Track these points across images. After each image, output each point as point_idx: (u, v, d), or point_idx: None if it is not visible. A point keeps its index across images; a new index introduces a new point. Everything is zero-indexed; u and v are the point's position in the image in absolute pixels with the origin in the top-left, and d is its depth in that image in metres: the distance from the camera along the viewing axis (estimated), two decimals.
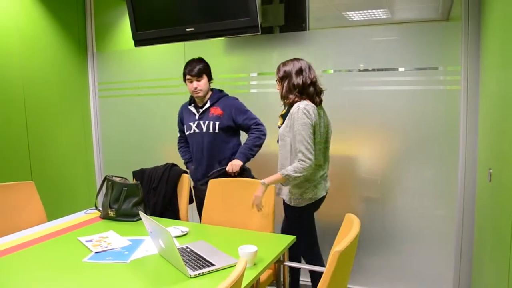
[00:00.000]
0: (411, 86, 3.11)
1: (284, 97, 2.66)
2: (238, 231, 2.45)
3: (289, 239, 2.31)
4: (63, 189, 4.05)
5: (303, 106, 2.52)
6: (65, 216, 2.81)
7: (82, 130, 4.30)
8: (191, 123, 3.15)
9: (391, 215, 3.25)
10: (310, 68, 2.65)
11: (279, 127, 2.70)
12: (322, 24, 5.24)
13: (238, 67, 3.74)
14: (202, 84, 3.06)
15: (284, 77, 2.64)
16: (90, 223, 2.63)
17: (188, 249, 2.08)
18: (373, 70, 3.19)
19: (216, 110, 3.10)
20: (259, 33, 3.15)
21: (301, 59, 2.67)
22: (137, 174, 3.07)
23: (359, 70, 3.23)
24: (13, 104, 3.63)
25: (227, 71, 3.74)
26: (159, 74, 4.02)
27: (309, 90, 2.61)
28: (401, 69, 3.14)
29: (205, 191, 2.88)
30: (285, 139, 2.60)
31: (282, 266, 2.41)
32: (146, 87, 4.08)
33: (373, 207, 3.30)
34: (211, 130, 3.08)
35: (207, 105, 3.12)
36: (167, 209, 2.95)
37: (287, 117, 2.59)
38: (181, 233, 2.34)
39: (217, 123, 3.07)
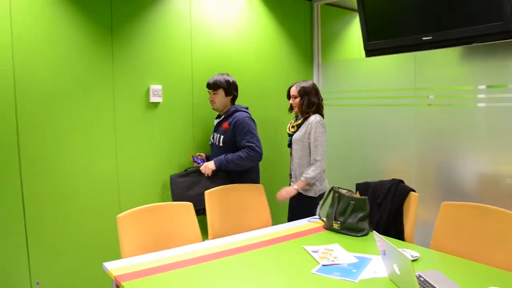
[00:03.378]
0: None
1: (303, 111, 3.30)
2: (478, 266, 2.13)
3: None
4: None
5: (319, 119, 3.25)
6: (285, 221, 2.86)
7: None
8: (212, 134, 3.44)
9: None
10: (318, 90, 3.38)
11: (291, 134, 3.37)
12: None
13: (465, 78, 3.33)
14: (217, 97, 3.30)
15: (303, 94, 3.28)
16: (314, 232, 2.63)
17: (422, 279, 1.88)
18: None
19: (225, 125, 3.29)
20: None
21: (312, 81, 3.38)
22: (361, 187, 2.97)
23: None
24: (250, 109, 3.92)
25: (454, 82, 3.38)
26: (385, 84, 3.88)
27: (321, 108, 3.35)
28: None
29: (180, 182, 3.25)
30: (301, 143, 3.27)
31: None
32: (371, 97, 3.98)
33: None
34: (216, 143, 3.33)
35: (221, 118, 3.36)
36: (390, 227, 2.78)
37: (304, 126, 3.27)
38: (411, 258, 2.15)
39: (222, 137, 3.28)
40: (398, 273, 1.77)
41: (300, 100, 3.30)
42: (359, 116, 4.09)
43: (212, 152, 3.41)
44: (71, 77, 2.76)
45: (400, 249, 2.24)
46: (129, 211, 2.41)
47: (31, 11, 2.78)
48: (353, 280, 1.89)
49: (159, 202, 2.56)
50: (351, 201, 2.56)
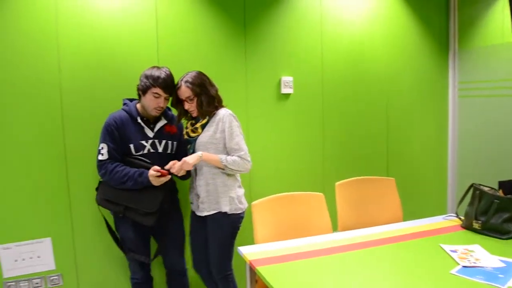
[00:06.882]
0: None
1: (205, 112, 2.60)
2: None
3: None
4: (414, 188, 4.06)
5: (229, 112, 2.61)
6: (415, 217, 2.75)
7: (438, 130, 4.18)
8: (144, 142, 2.59)
9: None
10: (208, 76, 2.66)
11: (192, 139, 2.62)
12: None
13: None
14: (166, 103, 2.63)
15: (200, 92, 2.56)
16: (450, 231, 2.50)
17: None
18: None
19: (172, 129, 2.71)
20: None
21: (196, 71, 2.63)
22: (505, 185, 2.75)
23: None
24: (377, 102, 3.83)
25: None
26: None
27: (221, 99, 2.68)
28: None
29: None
30: (213, 146, 2.58)
31: None
32: None
33: None
34: (169, 151, 2.69)
35: (163, 122, 2.67)
36: None
37: (211, 124, 2.59)
38: None
39: (175, 143, 2.71)
40: None
41: (197, 101, 2.59)
42: (501, 107, 3.75)
43: (156, 164, 2.55)
44: (209, 74, 2.91)
45: None
46: (263, 199, 2.52)
47: (173, 11, 3.01)
48: (501, 286, 1.76)
49: (289, 192, 2.63)
50: (495, 200, 2.36)
